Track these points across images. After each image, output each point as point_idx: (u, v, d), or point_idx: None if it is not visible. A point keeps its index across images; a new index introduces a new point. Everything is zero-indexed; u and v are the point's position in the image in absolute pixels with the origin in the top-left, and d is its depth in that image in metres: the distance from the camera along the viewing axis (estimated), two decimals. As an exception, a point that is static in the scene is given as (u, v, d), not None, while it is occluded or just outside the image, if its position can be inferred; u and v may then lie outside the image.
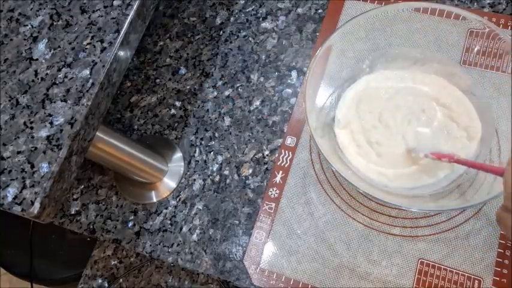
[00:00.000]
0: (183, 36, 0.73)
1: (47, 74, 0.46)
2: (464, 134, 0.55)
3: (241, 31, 0.71)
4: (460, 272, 0.54)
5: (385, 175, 0.55)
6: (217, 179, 0.63)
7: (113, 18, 0.48)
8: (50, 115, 0.44)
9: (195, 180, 0.64)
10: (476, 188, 0.51)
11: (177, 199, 0.63)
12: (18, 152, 0.43)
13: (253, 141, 0.64)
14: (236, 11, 0.72)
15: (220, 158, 0.64)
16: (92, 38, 0.47)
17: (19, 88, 0.45)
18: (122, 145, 0.57)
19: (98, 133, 0.51)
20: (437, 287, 0.54)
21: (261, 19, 0.71)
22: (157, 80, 0.71)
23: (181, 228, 0.62)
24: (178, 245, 0.61)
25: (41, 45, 0.47)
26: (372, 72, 0.60)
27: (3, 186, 0.42)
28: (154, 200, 0.64)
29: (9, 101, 0.45)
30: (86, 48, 0.47)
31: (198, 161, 0.65)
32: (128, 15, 0.48)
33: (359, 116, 0.58)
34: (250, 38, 0.70)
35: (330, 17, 0.68)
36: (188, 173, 0.64)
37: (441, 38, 0.58)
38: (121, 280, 0.70)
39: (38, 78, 0.46)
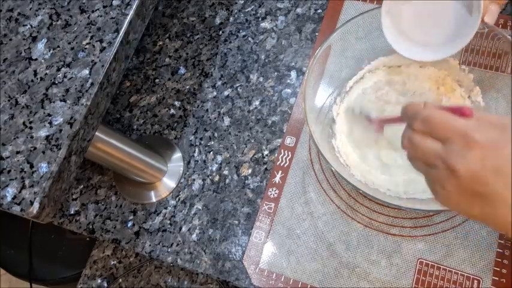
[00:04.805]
0: (182, 36, 0.73)
1: (46, 73, 0.46)
2: None
3: (241, 31, 0.71)
4: (460, 272, 0.54)
5: (381, 179, 0.55)
6: (216, 179, 0.63)
7: (112, 18, 0.48)
8: (49, 115, 0.44)
9: (194, 180, 0.64)
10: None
11: (177, 199, 0.63)
12: (18, 152, 0.43)
13: (252, 141, 0.64)
14: (235, 11, 0.72)
15: (219, 158, 0.64)
16: (91, 37, 0.47)
17: (18, 88, 0.45)
18: (121, 145, 0.57)
19: (97, 133, 0.51)
20: (436, 287, 0.54)
21: (260, 19, 0.71)
22: (157, 80, 0.71)
23: (180, 228, 0.62)
24: (177, 245, 0.61)
25: (40, 45, 0.47)
26: (371, 72, 0.60)
27: (2, 186, 0.42)
28: (154, 200, 0.64)
29: (9, 100, 0.45)
30: (85, 48, 0.47)
31: (197, 161, 0.65)
32: (127, 15, 0.48)
33: (359, 117, 0.58)
34: (249, 38, 0.70)
35: (329, 17, 0.68)
36: (187, 173, 0.64)
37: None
38: (120, 280, 0.70)
39: (37, 78, 0.46)
